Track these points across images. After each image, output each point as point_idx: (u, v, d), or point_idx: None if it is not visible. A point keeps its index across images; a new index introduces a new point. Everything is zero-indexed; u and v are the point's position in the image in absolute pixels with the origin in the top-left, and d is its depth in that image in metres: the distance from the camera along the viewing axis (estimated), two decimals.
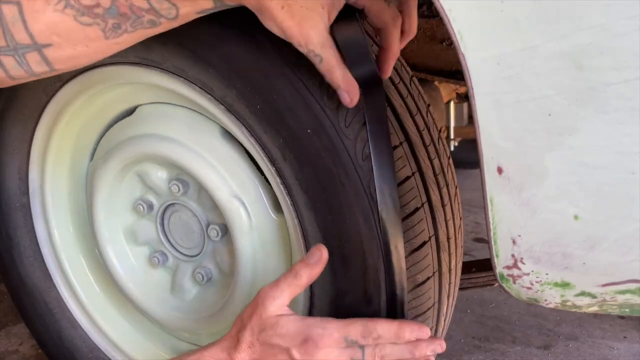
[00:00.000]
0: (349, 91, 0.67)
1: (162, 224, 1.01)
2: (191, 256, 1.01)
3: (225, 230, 0.94)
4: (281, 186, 0.78)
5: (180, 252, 1.02)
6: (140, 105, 0.94)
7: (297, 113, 0.72)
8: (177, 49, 0.77)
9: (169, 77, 0.80)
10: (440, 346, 0.72)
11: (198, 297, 1.01)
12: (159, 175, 0.97)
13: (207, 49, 0.75)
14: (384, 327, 0.70)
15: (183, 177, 0.94)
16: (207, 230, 0.95)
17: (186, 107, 0.88)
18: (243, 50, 0.73)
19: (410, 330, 0.70)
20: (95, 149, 1.03)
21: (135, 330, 1.15)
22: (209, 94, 0.78)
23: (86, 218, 1.09)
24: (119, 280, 1.04)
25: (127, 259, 1.04)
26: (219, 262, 0.98)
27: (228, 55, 0.74)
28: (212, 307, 0.98)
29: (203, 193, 0.93)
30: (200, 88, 0.78)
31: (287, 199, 0.78)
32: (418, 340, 0.71)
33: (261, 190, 0.87)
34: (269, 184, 0.83)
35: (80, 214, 1.10)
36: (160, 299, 1.03)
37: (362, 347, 0.70)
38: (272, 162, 0.77)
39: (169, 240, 1.02)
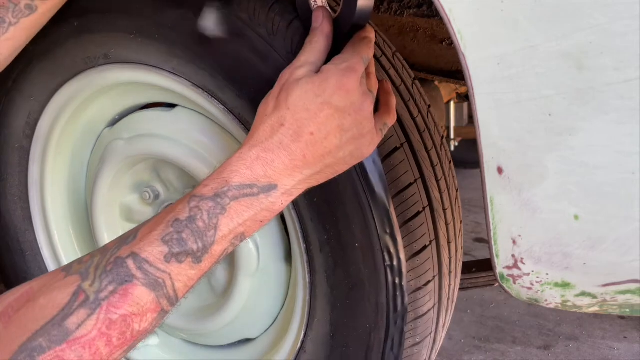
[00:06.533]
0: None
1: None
2: None
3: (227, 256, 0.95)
4: (307, 270, 0.80)
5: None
6: (180, 106, 0.91)
7: (353, 227, 0.73)
8: None
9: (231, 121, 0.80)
10: None
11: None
12: (178, 180, 0.96)
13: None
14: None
15: None
16: None
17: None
18: None
19: None
20: (116, 120, 1.02)
21: None
22: None
23: (83, 174, 1.10)
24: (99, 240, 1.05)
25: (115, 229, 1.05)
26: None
27: None
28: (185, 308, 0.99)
29: None
30: None
31: (308, 289, 0.80)
32: None
33: (279, 242, 0.88)
34: (287, 232, 0.85)
35: (78, 171, 1.10)
36: None
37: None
38: (307, 246, 0.78)
39: None
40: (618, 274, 0.60)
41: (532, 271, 0.63)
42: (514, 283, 0.65)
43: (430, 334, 0.86)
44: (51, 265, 1.13)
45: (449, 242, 0.86)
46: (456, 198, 0.93)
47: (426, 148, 0.83)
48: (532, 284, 0.64)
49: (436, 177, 0.84)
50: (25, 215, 1.10)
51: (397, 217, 0.73)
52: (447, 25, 0.55)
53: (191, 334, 1.07)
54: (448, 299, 0.89)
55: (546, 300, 0.65)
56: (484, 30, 0.54)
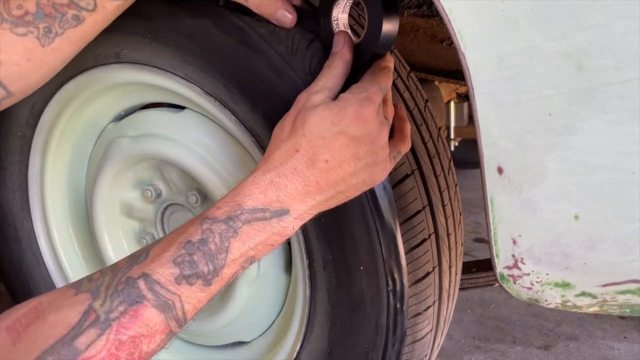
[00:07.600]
0: (286, 9, 0.68)
1: (163, 214, 1.01)
2: None
3: None
4: (309, 285, 0.80)
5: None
6: (189, 109, 0.90)
7: (359, 250, 0.73)
8: None
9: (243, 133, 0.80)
10: None
11: None
12: (181, 180, 0.96)
13: None
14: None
15: (204, 192, 0.92)
16: None
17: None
18: None
19: None
20: (122, 116, 1.01)
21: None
22: None
23: (84, 168, 1.10)
24: (98, 240, 1.05)
25: (115, 229, 1.05)
26: None
27: None
28: None
29: None
30: None
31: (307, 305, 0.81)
32: None
33: (281, 251, 0.88)
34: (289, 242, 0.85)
35: (79, 164, 1.10)
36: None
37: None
38: (310, 263, 0.78)
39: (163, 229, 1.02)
40: (618, 274, 0.60)
41: (532, 271, 0.63)
42: (514, 283, 0.65)
43: (426, 355, 0.86)
44: (47, 255, 1.13)
45: (450, 267, 0.86)
46: (460, 222, 0.93)
47: (435, 174, 0.83)
48: (532, 284, 0.64)
49: (443, 202, 0.84)
50: (24, 203, 1.10)
51: (403, 243, 0.73)
52: (447, 25, 0.55)
53: (189, 334, 1.07)
54: (445, 320, 0.90)
55: (546, 300, 0.65)
56: (484, 30, 0.54)
